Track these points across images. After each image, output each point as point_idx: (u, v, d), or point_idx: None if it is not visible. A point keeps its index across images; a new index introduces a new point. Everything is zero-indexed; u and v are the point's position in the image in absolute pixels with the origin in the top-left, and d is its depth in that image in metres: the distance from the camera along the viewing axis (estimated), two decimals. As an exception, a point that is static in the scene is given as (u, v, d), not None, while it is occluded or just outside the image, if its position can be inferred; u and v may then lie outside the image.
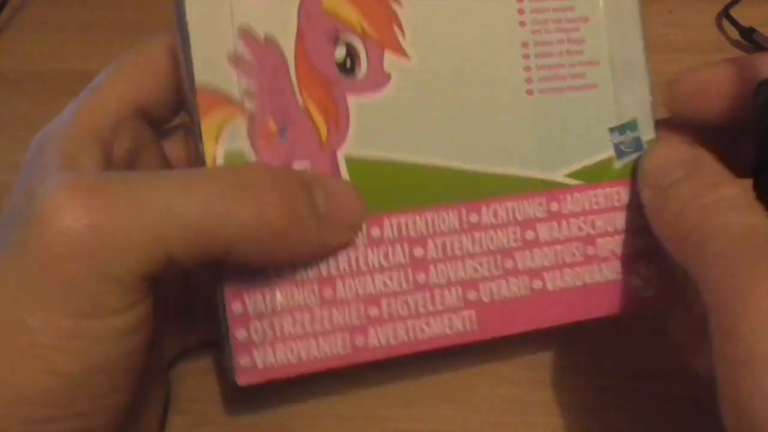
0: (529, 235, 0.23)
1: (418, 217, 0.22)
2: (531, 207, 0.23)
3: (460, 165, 0.22)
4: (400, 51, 0.21)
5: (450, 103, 0.22)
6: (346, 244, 0.21)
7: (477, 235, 0.22)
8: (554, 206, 0.23)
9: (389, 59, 0.21)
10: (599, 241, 0.23)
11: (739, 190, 0.20)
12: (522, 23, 0.23)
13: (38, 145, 0.20)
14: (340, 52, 0.21)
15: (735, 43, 0.38)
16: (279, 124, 0.21)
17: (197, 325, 0.26)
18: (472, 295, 0.22)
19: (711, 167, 0.21)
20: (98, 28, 0.40)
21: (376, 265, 0.21)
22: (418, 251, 0.22)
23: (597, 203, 0.23)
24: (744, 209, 0.19)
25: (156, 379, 0.24)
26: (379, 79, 0.21)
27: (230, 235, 0.18)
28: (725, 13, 0.38)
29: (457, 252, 0.22)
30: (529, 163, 0.23)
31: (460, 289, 0.22)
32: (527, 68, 0.23)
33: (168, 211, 0.18)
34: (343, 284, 0.21)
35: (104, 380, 0.18)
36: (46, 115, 0.35)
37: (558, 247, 0.23)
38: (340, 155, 0.21)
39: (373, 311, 0.22)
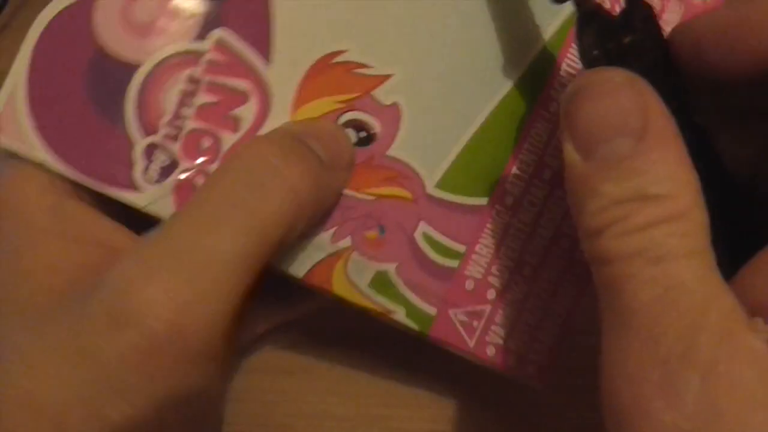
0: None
1: (513, 167, 0.22)
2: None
3: (491, 107, 0.21)
4: (383, 78, 0.21)
5: (450, 74, 0.21)
6: (344, 185, 0.21)
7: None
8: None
9: (384, 93, 0.21)
10: None
11: (683, 208, 0.14)
12: None
13: None
14: (352, 135, 0.21)
15: (734, 45, 0.38)
16: (374, 231, 0.21)
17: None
18: None
19: (665, 152, 0.15)
20: (98, 28, 0.40)
21: (530, 220, 0.22)
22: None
23: None
24: (672, 256, 0.14)
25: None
26: (393, 115, 0.21)
27: (277, 232, 0.18)
28: (724, 15, 0.38)
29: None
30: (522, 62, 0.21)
31: None
32: None
33: (218, 266, 0.17)
34: (541, 264, 0.22)
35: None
36: (46, 115, 0.34)
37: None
38: (433, 192, 0.21)
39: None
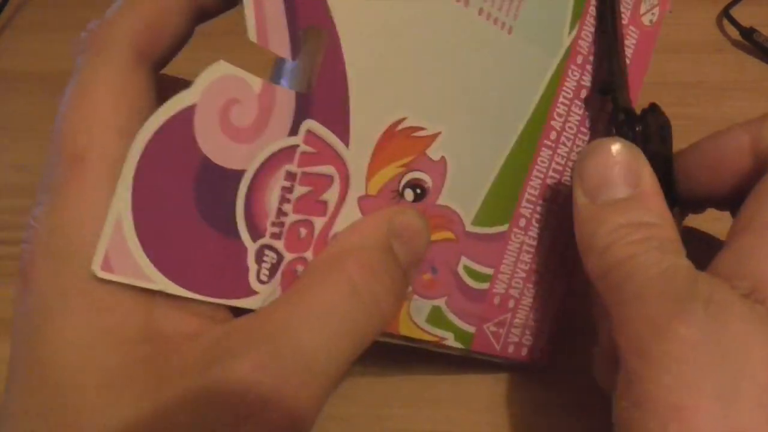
0: None
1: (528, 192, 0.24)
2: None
3: (521, 126, 0.23)
4: (434, 137, 0.21)
5: (480, 125, 0.22)
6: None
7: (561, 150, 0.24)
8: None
9: (434, 150, 0.21)
10: None
11: (671, 235, 0.19)
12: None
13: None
14: (410, 194, 0.21)
15: (735, 43, 0.38)
16: (429, 273, 0.22)
17: None
18: None
19: (653, 199, 0.20)
20: (98, 28, 0.40)
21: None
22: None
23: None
24: (669, 252, 0.18)
25: None
26: (441, 169, 0.22)
27: (362, 343, 0.19)
28: (725, 13, 0.38)
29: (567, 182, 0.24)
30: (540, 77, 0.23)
31: None
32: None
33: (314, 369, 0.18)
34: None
35: None
36: (46, 115, 0.35)
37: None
38: (470, 229, 0.23)
39: None
